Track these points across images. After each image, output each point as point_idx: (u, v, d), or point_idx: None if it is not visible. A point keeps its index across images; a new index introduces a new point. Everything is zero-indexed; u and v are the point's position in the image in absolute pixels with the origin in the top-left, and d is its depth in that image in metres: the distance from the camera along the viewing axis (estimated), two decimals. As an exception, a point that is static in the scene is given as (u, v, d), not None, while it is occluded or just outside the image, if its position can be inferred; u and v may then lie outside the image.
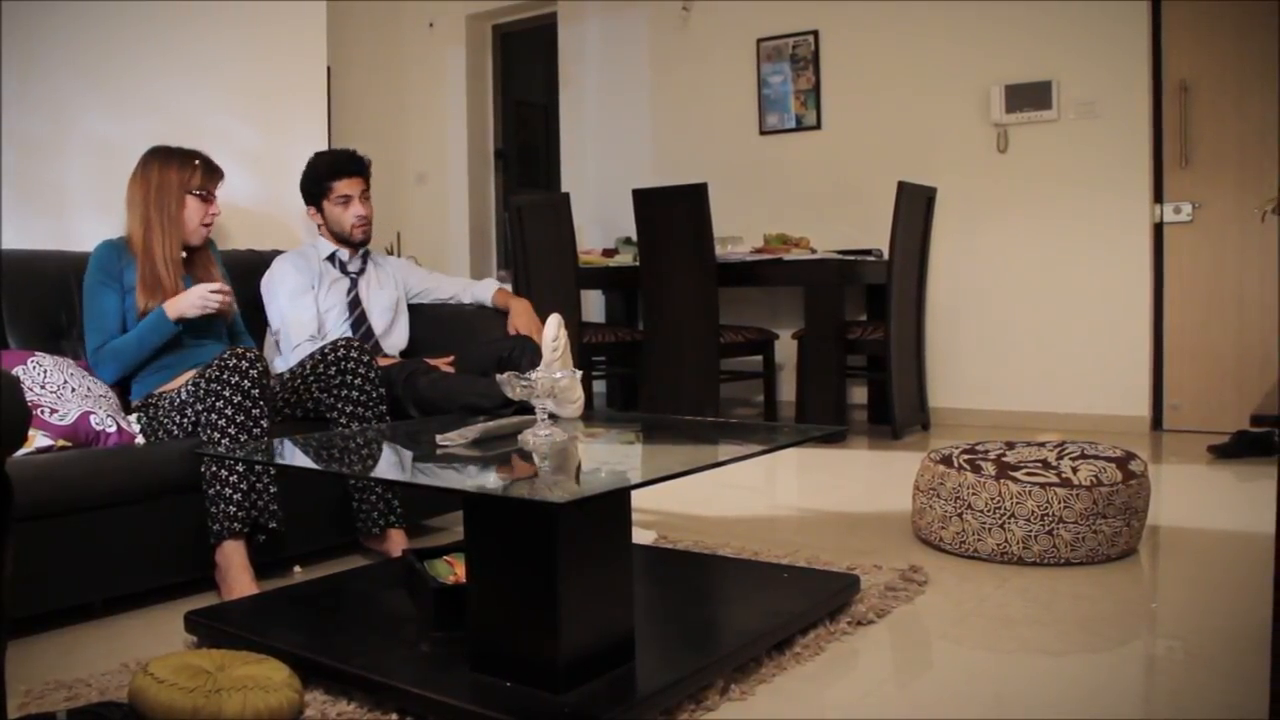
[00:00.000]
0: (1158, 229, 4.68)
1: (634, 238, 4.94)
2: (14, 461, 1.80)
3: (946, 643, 2.03)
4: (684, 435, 2.63)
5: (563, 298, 4.79)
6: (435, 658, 1.80)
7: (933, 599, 2.27)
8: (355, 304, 3.11)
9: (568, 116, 6.31)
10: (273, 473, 2.37)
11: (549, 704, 1.57)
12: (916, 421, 4.85)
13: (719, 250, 4.75)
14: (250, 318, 3.01)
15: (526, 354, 2.85)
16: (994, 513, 2.52)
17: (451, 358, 3.02)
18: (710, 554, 2.59)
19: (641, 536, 2.68)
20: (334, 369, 2.57)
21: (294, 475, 2.45)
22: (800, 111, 5.47)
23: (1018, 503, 2.49)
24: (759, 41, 5.55)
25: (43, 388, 2.41)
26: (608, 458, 2.18)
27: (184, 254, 2.74)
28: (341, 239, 3.13)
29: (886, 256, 4.60)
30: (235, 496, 2.29)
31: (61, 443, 2.34)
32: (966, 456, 2.66)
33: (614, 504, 1.76)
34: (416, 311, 3.29)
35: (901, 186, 4.49)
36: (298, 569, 2.58)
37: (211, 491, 2.30)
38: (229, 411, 2.30)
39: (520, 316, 3.17)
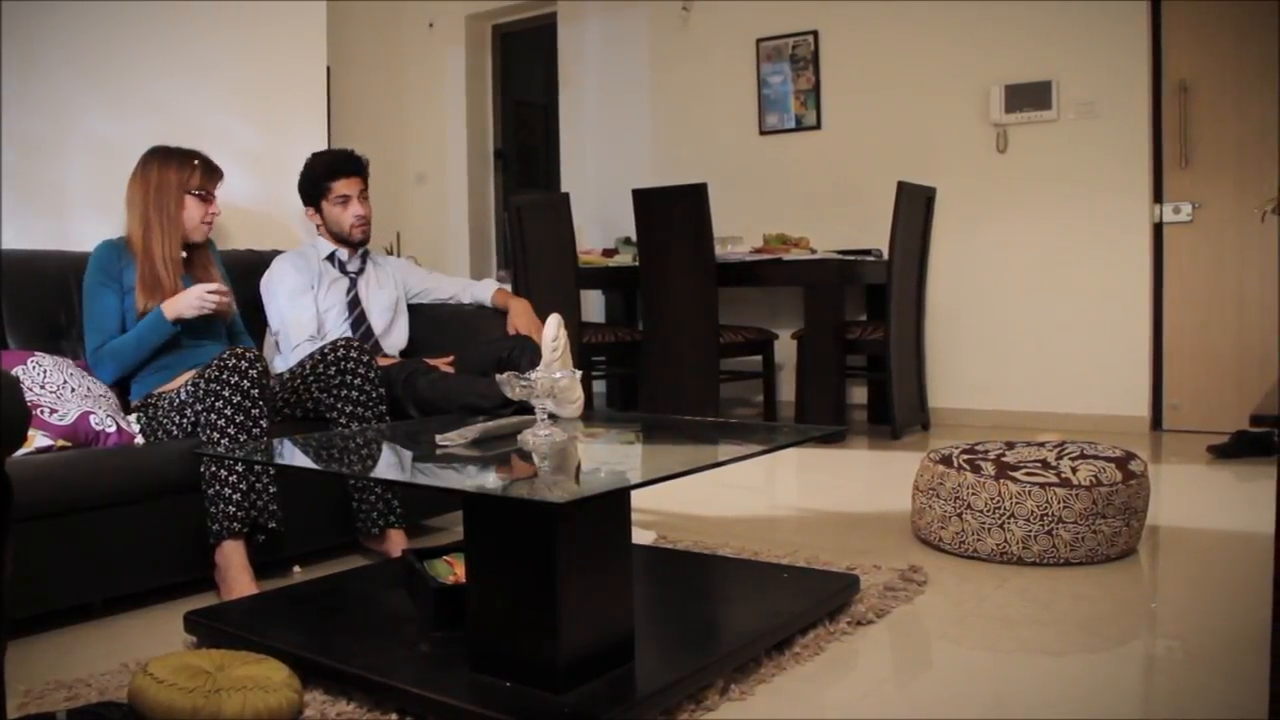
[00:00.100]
0: (1157, 229, 4.68)
1: (634, 238, 4.94)
2: (14, 461, 1.80)
3: (946, 643, 2.03)
4: (684, 435, 2.63)
5: (562, 298, 4.78)
6: (435, 658, 1.80)
7: (932, 599, 2.27)
8: (355, 304, 3.11)
9: (567, 116, 6.31)
10: (272, 473, 2.37)
11: (549, 704, 1.57)
12: (916, 421, 4.85)
13: (719, 250, 4.75)
14: (250, 318, 3.01)
15: (526, 354, 2.85)
16: (993, 513, 2.52)
17: (451, 358, 3.02)
18: (710, 554, 2.59)
19: (641, 536, 2.68)
20: (334, 369, 2.57)
21: (294, 475, 2.45)
22: (800, 111, 5.47)
23: (1017, 503, 2.49)
24: (759, 41, 5.55)
25: (42, 388, 2.41)
26: (607, 458, 2.18)
27: (184, 254, 2.74)
28: (341, 239, 3.13)
29: (886, 256, 4.60)
30: (235, 496, 2.29)
31: (61, 443, 2.34)
32: (966, 456, 2.66)
33: (614, 504, 1.76)
34: (416, 311, 3.29)
35: (901, 186, 4.49)
36: (297, 569, 2.58)
37: (211, 491, 2.30)
38: (228, 411, 2.30)
39: (520, 316, 3.17)
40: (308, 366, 2.59)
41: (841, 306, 4.65)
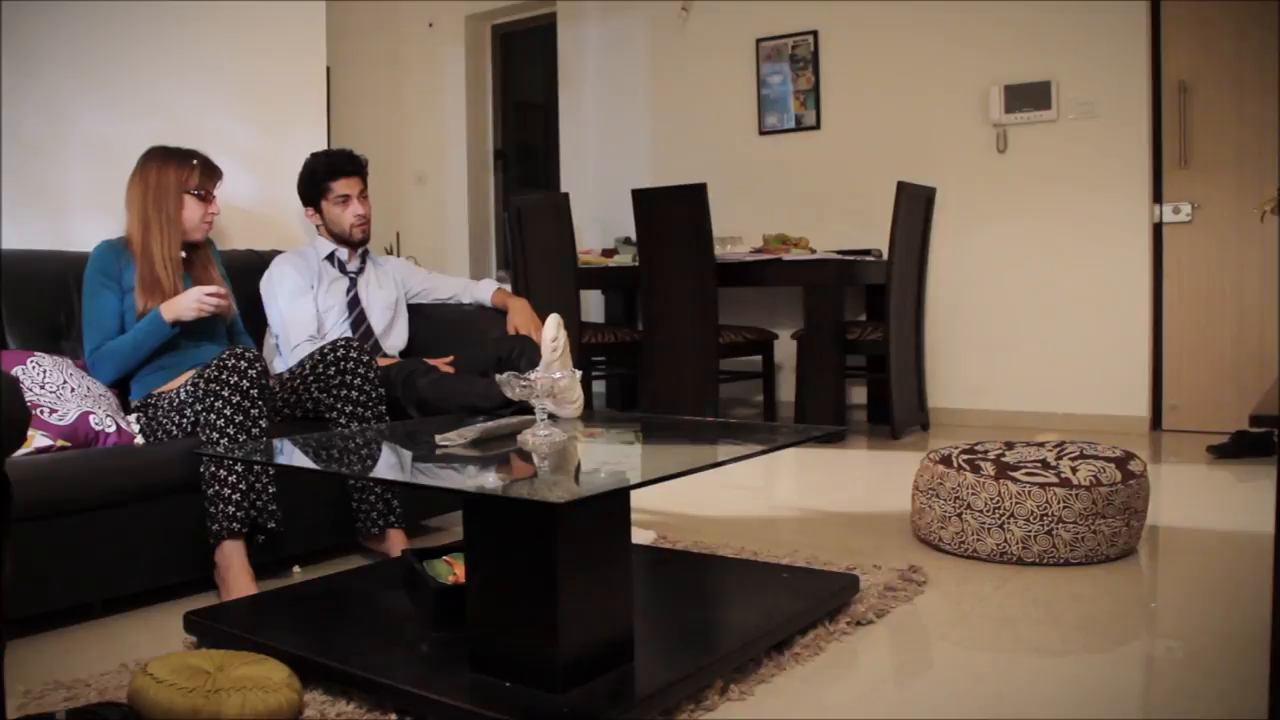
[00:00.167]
0: (1157, 229, 4.68)
1: (633, 238, 4.94)
2: (13, 461, 1.80)
3: (946, 643, 2.03)
4: (683, 435, 2.63)
5: (562, 298, 4.78)
6: (435, 658, 1.80)
7: (932, 599, 2.27)
8: (354, 304, 3.11)
9: (567, 117, 6.31)
10: (272, 473, 2.37)
11: (548, 704, 1.57)
12: (916, 421, 4.85)
13: (718, 250, 4.75)
14: (250, 318, 3.01)
15: (526, 354, 2.85)
16: (993, 513, 2.52)
17: (451, 358, 3.02)
18: (710, 554, 2.59)
19: (641, 536, 2.68)
20: (333, 369, 2.57)
21: (293, 475, 2.45)
22: (800, 111, 5.47)
23: (1017, 503, 2.49)
24: (758, 41, 5.56)
25: (42, 388, 2.41)
26: (607, 458, 2.18)
27: (183, 254, 2.73)
28: (341, 239, 3.13)
29: (886, 257, 4.60)
30: (234, 497, 2.29)
31: (61, 443, 2.34)
32: (966, 456, 2.66)
33: (613, 504, 1.76)
34: (416, 311, 3.29)
35: (901, 186, 4.49)
36: (297, 569, 2.58)
37: (210, 492, 2.30)
38: (228, 411, 2.30)
39: (519, 315, 3.17)
40: (307, 366, 2.59)
41: (841, 307, 4.65)
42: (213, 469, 2.30)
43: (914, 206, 4.66)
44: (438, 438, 2.05)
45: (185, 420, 2.44)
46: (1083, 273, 4.77)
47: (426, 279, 3.35)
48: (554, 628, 1.60)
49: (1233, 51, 4.47)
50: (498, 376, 2.06)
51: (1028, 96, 4.80)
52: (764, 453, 2.09)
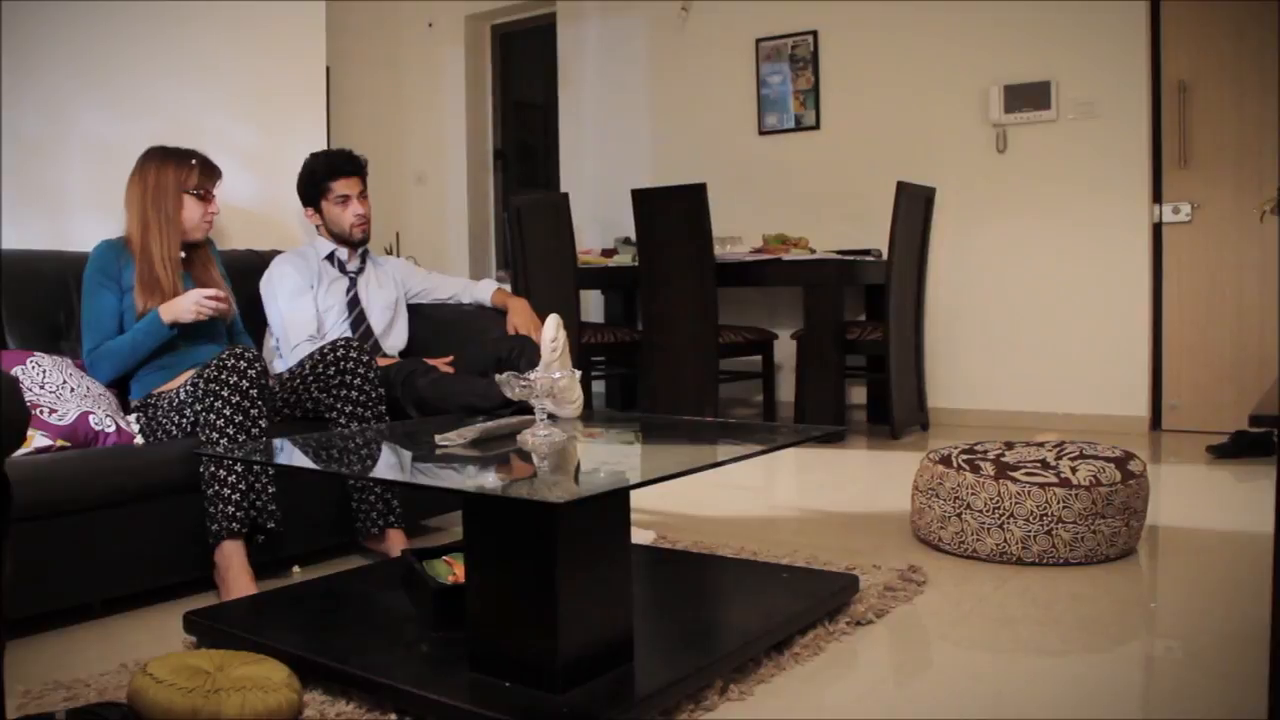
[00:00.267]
0: (1156, 229, 4.68)
1: (633, 238, 4.94)
2: (13, 461, 1.80)
3: (945, 643, 2.03)
4: (683, 435, 2.63)
5: (562, 298, 4.79)
6: (434, 658, 1.80)
7: (932, 599, 2.27)
8: (354, 303, 3.11)
9: (567, 117, 6.31)
10: (271, 473, 2.37)
11: (548, 704, 1.57)
12: (915, 421, 4.85)
13: (718, 250, 4.75)
14: (249, 318, 3.01)
15: (525, 354, 2.85)
16: (993, 513, 2.52)
17: (450, 358, 3.02)
18: (709, 554, 2.59)
19: (641, 536, 2.68)
20: (333, 369, 2.57)
21: (293, 475, 2.45)
22: (799, 111, 5.47)
23: (1017, 503, 2.49)
24: (758, 41, 5.56)
25: (42, 388, 2.41)
26: (607, 458, 2.18)
27: (183, 254, 2.73)
28: (341, 239, 3.13)
29: (885, 257, 4.60)
30: (234, 497, 2.29)
31: (60, 443, 2.34)
32: (965, 456, 2.66)
33: (613, 504, 1.76)
34: (416, 311, 3.29)
35: (900, 186, 4.49)
36: (296, 569, 2.58)
37: (210, 492, 2.30)
38: (227, 411, 2.30)
39: (518, 315, 3.17)
40: (307, 366, 2.59)
41: (841, 306, 4.65)
42: (212, 469, 2.30)
43: (914, 206, 4.66)
44: (437, 438, 2.05)
45: (185, 420, 2.44)
46: (1082, 273, 4.77)
47: (426, 279, 3.35)
48: (554, 628, 1.60)
49: (1232, 51, 4.47)
50: (497, 376, 2.06)
51: (1027, 96, 4.80)
52: (763, 453, 2.09)
